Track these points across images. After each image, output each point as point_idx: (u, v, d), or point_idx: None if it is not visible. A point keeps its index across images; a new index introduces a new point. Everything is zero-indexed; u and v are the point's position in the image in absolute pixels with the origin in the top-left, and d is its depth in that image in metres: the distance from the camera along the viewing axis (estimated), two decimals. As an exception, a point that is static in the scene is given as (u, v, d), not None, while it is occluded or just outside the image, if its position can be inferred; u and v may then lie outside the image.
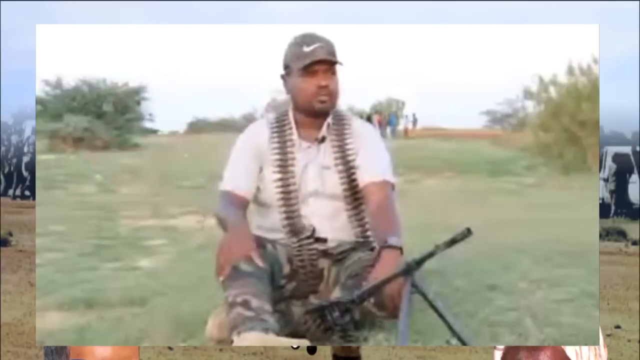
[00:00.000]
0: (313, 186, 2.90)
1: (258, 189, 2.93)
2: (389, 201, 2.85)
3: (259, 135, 2.97)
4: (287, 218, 2.90)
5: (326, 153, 2.92)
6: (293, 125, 2.94)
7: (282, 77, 2.98)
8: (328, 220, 2.90)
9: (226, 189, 2.92)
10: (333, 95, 2.90)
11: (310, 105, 2.89)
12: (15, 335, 6.36)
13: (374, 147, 2.97)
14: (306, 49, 2.88)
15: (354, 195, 2.92)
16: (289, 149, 2.92)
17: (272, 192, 2.90)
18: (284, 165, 2.91)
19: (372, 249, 2.90)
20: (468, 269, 3.99)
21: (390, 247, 2.65)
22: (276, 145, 2.93)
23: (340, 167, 2.91)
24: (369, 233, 2.93)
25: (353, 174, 2.91)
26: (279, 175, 2.90)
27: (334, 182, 2.90)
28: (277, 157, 2.92)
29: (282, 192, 2.90)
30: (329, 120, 2.94)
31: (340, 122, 2.97)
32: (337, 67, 2.93)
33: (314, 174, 2.91)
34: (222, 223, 2.82)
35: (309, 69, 2.87)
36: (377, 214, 2.82)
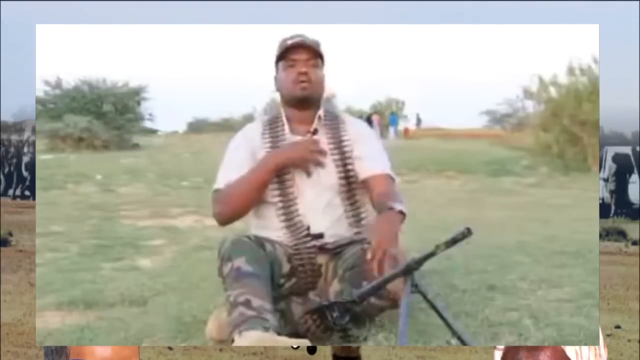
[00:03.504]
0: (310, 177, 2.91)
1: None
2: (394, 188, 2.88)
3: (252, 133, 3.00)
4: (284, 214, 2.90)
5: (321, 144, 2.93)
6: (284, 121, 2.97)
7: (274, 77, 3.03)
8: (324, 212, 2.91)
9: (219, 187, 2.93)
10: (314, 83, 2.94)
11: (293, 94, 2.93)
12: (15, 335, 6.35)
13: (371, 141, 3.01)
14: (289, 41, 2.97)
15: (350, 185, 2.93)
16: (280, 143, 2.94)
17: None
18: None
19: (369, 243, 2.92)
20: (468, 269, 3.99)
21: (392, 209, 2.67)
22: (268, 140, 2.95)
23: (336, 157, 2.92)
24: (364, 223, 2.94)
25: (349, 164, 2.92)
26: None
27: (330, 172, 2.91)
28: (270, 150, 2.93)
29: (277, 183, 2.90)
30: (320, 113, 2.97)
31: (333, 117, 3.02)
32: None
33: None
34: (231, 193, 2.84)
35: (290, 59, 2.93)
36: (382, 195, 2.82)
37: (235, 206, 2.89)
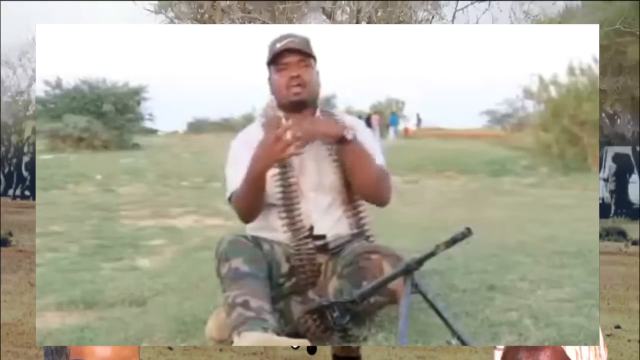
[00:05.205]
0: (312, 180, 2.90)
1: None
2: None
3: (254, 135, 2.92)
4: (287, 217, 2.89)
5: (320, 145, 2.90)
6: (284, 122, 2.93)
7: (268, 80, 3.00)
8: (325, 213, 2.90)
9: (230, 194, 2.90)
10: (307, 85, 2.90)
11: (286, 98, 2.90)
12: (15, 335, 6.36)
13: (366, 141, 2.98)
14: (278, 45, 2.92)
15: (350, 185, 2.91)
16: None
17: (272, 188, 2.88)
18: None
19: (367, 239, 2.92)
20: (468, 269, 3.99)
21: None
22: None
23: (335, 157, 2.90)
24: (364, 222, 2.94)
25: None
26: (277, 170, 2.87)
27: (332, 173, 2.90)
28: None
29: (282, 186, 2.89)
30: (318, 113, 2.96)
31: (329, 117, 2.99)
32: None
33: (312, 167, 2.90)
34: (246, 189, 2.79)
35: (281, 63, 2.89)
36: None
37: (247, 209, 2.87)
